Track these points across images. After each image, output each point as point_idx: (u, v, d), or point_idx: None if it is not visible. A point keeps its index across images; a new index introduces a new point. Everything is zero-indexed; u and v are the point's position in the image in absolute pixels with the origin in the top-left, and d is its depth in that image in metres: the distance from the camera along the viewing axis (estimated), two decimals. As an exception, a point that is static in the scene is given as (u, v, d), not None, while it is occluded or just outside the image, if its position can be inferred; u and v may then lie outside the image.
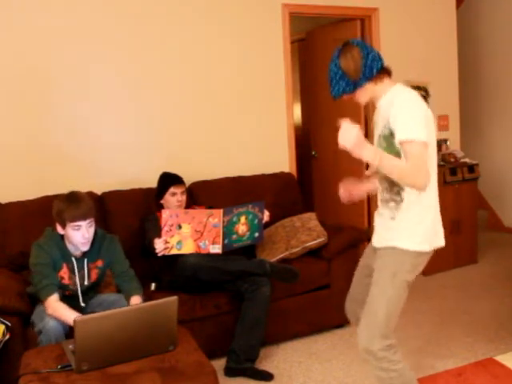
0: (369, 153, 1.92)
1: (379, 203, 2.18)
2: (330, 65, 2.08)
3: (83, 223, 2.43)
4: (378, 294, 2.08)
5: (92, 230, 2.50)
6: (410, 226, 2.05)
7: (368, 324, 2.09)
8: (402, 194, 2.05)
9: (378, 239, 2.18)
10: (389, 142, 2.01)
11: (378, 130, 2.09)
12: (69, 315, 2.32)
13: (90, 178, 3.52)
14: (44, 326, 2.35)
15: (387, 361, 2.06)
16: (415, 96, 2.01)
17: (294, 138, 4.27)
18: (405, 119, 1.94)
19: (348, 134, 1.91)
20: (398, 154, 1.98)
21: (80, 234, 2.44)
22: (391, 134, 1.98)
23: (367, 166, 4.64)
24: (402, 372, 2.08)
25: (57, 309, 2.36)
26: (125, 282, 2.59)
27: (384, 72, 2.06)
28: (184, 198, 3.20)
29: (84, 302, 2.62)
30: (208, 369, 2.06)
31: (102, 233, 2.66)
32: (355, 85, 2.04)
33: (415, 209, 2.04)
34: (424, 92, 4.59)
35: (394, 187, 2.06)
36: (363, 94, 2.09)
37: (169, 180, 3.21)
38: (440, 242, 2.13)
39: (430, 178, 1.98)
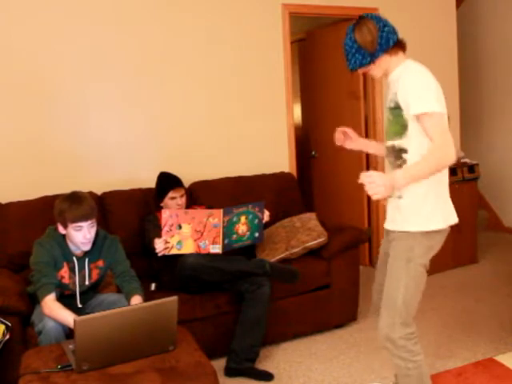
0: (397, 183, 1.93)
1: None
2: (345, 39, 2.07)
3: (85, 224, 2.42)
4: (395, 281, 2.07)
5: (94, 231, 2.49)
6: (417, 205, 2.04)
7: (388, 312, 2.08)
8: None
9: (390, 221, 2.17)
10: (395, 114, 2.01)
11: (386, 104, 2.11)
12: (65, 316, 2.32)
13: (90, 177, 3.52)
14: (44, 327, 2.35)
15: (406, 350, 2.05)
16: (425, 70, 2.02)
17: (294, 138, 4.27)
18: (418, 91, 1.94)
19: (374, 184, 1.90)
20: (403, 127, 1.98)
21: (81, 235, 2.44)
22: (397, 107, 1.99)
23: (367, 166, 4.66)
24: (420, 364, 2.09)
25: (53, 308, 2.35)
26: (125, 282, 2.59)
27: (399, 45, 2.07)
28: (183, 200, 3.20)
29: (82, 302, 2.61)
30: (208, 369, 2.06)
31: (104, 233, 2.66)
32: (372, 57, 2.04)
33: (421, 187, 2.02)
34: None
35: (397, 160, 2.07)
36: (379, 67, 2.09)
37: (167, 184, 3.20)
38: (453, 218, 2.11)
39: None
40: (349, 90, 4.63)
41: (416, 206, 2.05)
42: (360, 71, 2.11)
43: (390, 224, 2.17)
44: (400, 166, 2.05)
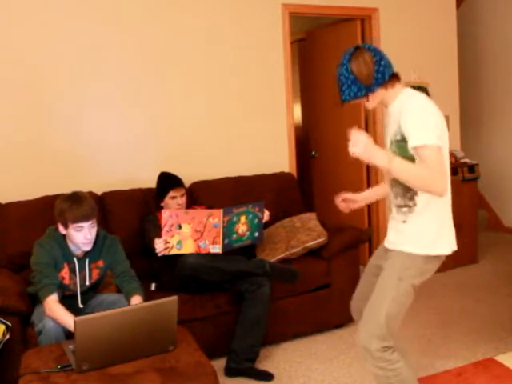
0: (380, 158, 1.93)
1: (393, 209, 2.16)
2: (340, 69, 2.04)
3: (85, 224, 2.42)
4: (382, 296, 2.08)
5: (94, 231, 2.49)
6: (421, 230, 2.05)
7: (368, 323, 2.09)
8: (415, 198, 2.04)
9: (390, 241, 2.18)
10: (401, 148, 2.00)
11: (390, 136, 2.09)
12: (65, 318, 2.31)
13: (90, 177, 3.52)
14: (44, 327, 2.35)
15: (383, 360, 2.06)
16: (425, 101, 2.00)
17: (294, 138, 4.27)
18: (415, 125, 1.93)
19: (357, 142, 1.92)
20: (411, 159, 1.97)
21: (82, 235, 2.44)
22: (403, 139, 1.98)
23: (368, 170, 4.66)
24: (400, 371, 2.08)
25: (54, 310, 2.35)
26: (125, 282, 2.59)
27: (395, 78, 2.05)
28: (184, 200, 3.20)
29: (82, 302, 2.61)
30: (208, 369, 2.06)
31: (104, 233, 2.66)
32: (367, 90, 2.02)
33: (427, 213, 2.04)
34: (424, 92, 4.59)
35: (407, 193, 2.05)
36: (373, 100, 2.07)
37: (168, 184, 3.21)
38: (453, 245, 2.11)
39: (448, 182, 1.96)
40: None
41: (421, 230, 2.05)
42: (352, 102, 2.10)
43: (391, 244, 2.17)
44: (412, 197, 2.05)
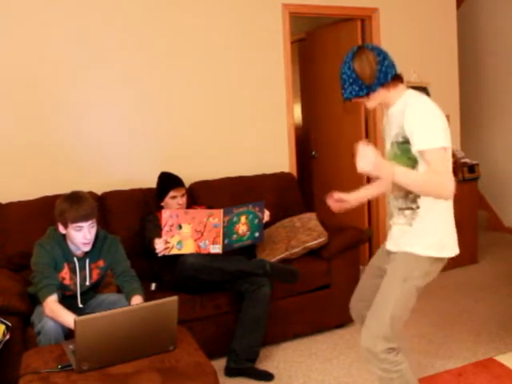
0: (388, 172, 1.92)
1: (394, 212, 2.15)
2: (343, 67, 2.04)
3: (85, 224, 2.42)
4: (386, 297, 2.07)
5: (94, 231, 2.49)
6: (426, 232, 2.04)
7: (373, 325, 2.08)
8: (417, 201, 2.03)
9: (393, 243, 2.16)
10: (403, 149, 2.00)
11: (391, 137, 2.08)
12: (66, 317, 2.31)
13: (90, 177, 3.52)
14: (43, 327, 2.35)
15: (388, 362, 2.05)
16: (429, 103, 1.99)
17: (294, 138, 4.27)
18: (421, 128, 1.92)
19: (365, 157, 1.89)
20: (414, 161, 1.97)
21: (82, 235, 2.44)
22: (405, 141, 1.98)
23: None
24: (404, 373, 2.08)
25: (54, 310, 2.35)
26: (126, 282, 2.59)
27: (397, 79, 2.04)
28: (184, 200, 3.20)
29: (82, 302, 2.61)
30: (208, 369, 2.06)
31: (104, 233, 2.66)
32: (368, 90, 2.01)
33: (432, 215, 2.03)
34: (424, 92, 4.60)
35: (409, 194, 2.05)
36: (374, 99, 2.06)
37: (168, 183, 3.21)
38: (456, 249, 2.11)
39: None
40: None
41: (424, 233, 2.05)
42: (354, 101, 2.09)
43: (392, 246, 2.16)
44: (414, 199, 2.04)
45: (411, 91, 2.07)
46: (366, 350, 2.09)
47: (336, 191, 2.39)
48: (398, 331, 2.09)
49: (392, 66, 2.02)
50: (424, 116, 1.94)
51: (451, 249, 2.09)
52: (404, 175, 1.92)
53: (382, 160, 1.92)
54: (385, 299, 2.08)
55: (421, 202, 2.03)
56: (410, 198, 2.06)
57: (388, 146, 2.12)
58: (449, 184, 1.89)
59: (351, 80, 2.01)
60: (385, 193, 2.40)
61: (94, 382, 1.95)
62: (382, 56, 2.00)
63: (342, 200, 2.38)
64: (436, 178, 1.90)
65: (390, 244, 2.19)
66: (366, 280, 2.35)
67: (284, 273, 2.99)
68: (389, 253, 2.19)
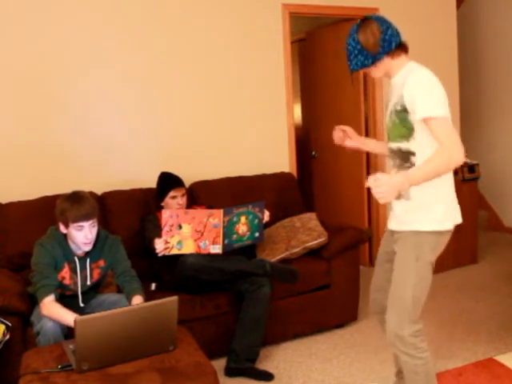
0: (405, 185, 1.92)
1: None
2: (348, 39, 2.08)
3: (86, 224, 2.42)
4: (403, 279, 2.08)
5: (95, 231, 2.49)
6: (427, 205, 2.05)
7: (396, 309, 2.09)
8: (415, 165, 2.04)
9: (395, 222, 2.17)
10: (401, 118, 2.02)
11: (391, 106, 2.10)
12: (66, 316, 2.31)
13: (90, 177, 3.52)
14: (42, 327, 2.35)
15: (414, 347, 2.07)
16: (430, 73, 2.02)
17: (294, 138, 4.27)
18: (424, 97, 1.95)
19: (383, 189, 1.86)
20: (410, 130, 1.99)
21: (83, 235, 2.44)
22: (404, 110, 2.00)
23: (368, 170, 4.65)
24: (427, 361, 2.10)
25: (52, 310, 2.34)
26: (126, 282, 2.59)
27: (401, 48, 2.08)
28: (184, 200, 3.20)
29: (83, 302, 2.61)
30: (208, 369, 2.06)
31: (105, 233, 2.66)
32: (374, 59, 2.04)
33: (431, 186, 2.03)
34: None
35: (405, 163, 2.06)
36: (380, 69, 2.10)
37: (168, 183, 3.21)
38: (459, 217, 2.12)
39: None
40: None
41: (426, 207, 2.06)
42: (361, 72, 2.12)
43: (396, 225, 2.17)
44: (409, 168, 2.05)
45: (413, 63, 2.10)
46: (394, 336, 2.09)
47: (343, 126, 2.41)
48: (420, 311, 2.10)
49: (396, 34, 2.07)
50: (427, 85, 1.97)
51: (453, 219, 2.10)
52: (419, 176, 1.93)
53: (394, 179, 1.91)
54: (402, 282, 2.08)
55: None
56: (405, 166, 2.07)
57: (388, 115, 2.14)
58: (459, 152, 1.91)
59: (356, 51, 2.05)
60: (380, 151, 2.46)
61: (93, 381, 1.95)
62: (386, 25, 2.05)
63: (346, 132, 2.39)
64: (445, 155, 1.91)
65: (392, 223, 2.19)
66: (378, 268, 2.35)
67: (284, 273, 2.99)
68: (392, 232, 2.19)
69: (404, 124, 2.01)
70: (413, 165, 2.04)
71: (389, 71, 2.11)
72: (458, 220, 2.13)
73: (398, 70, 2.10)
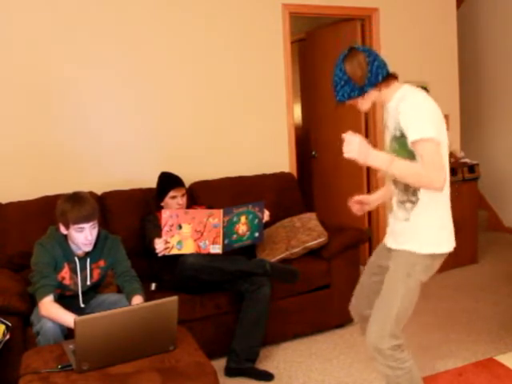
0: (376, 159, 1.95)
1: (394, 205, 2.17)
2: (335, 69, 2.07)
3: (87, 225, 2.42)
4: (391, 294, 2.08)
5: (95, 232, 2.49)
6: (424, 228, 2.06)
7: (378, 323, 2.09)
8: (417, 193, 2.05)
9: (392, 240, 2.19)
10: (401, 144, 2.02)
11: (390, 133, 2.10)
12: (65, 317, 2.31)
13: (90, 177, 3.52)
14: (42, 327, 2.34)
15: (394, 359, 2.06)
16: (422, 96, 2.01)
17: (294, 138, 4.27)
18: (412, 120, 1.95)
19: (351, 145, 1.94)
20: (411, 155, 1.99)
21: (83, 236, 2.43)
22: (402, 136, 2.00)
23: (368, 170, 4.65)
24: (409, 370, 2.09)
25: (50, 309, 2.34)
26: (126, 282, 2.59)
27: (390, 78, 2.06)
28: (184, 200, 3.20)
29: (84, 302, 2.61)
30: (208, 369, 2.06)
31: (105, 233, 2.66)
32: (360, 91, 2.04)
33: (430, 209, 2.05)
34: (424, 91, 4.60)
35: (410, 187, 2.06)
36: (367, 101, 2.09)
37: (168, 183, 3.20)
38: (451, 244, 2.12)
39: (447, 177, 1.96)
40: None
41: (422, 229, 2.07)
42: (348, 103, 2.11)
43: (393, 243, 2.18)
44: (414, 192, 2.05)
45: (406, 86, 2.08)
46: (373, 348, 2.09)
47: (357, 194, 2.41)
48: (401, 326, 2.10)
49: (383, 66, 2.05)
50: (415, 109, 1.97)
51: (448, 244, 2.10)
52: (398, 165, 1.95)
53: (371, 149, 1.96)
54: (390, 296, 2.09)
55: (421, 195, 2.04)
56: (410, 190, 2.07)
57: (388, 141, 2.14)
58: (437, 174, 1.90)
59: (343, 82, 2.04)
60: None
61: (93, 381, 1.95)
62: (373, 57, 2.03)
63: (364, 202, 2.40)
64: (424, 169, 1.92)
65: (390, 241, 2.21)
66: (366, 278, 2.35)
67: (284, 273, 2.99)
68: (389, 250, 2.20)
69: (405, 148, 2.01)
70: (417, 188, 2.04)
71: (379, 100, 2.11)
72: (452, 245, 2.12)
73: (390, 98, 2.09)
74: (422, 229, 2.07)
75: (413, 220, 2.08)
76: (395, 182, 2.14)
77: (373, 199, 2.42)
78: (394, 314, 2.06)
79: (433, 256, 2.07)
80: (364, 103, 2.10)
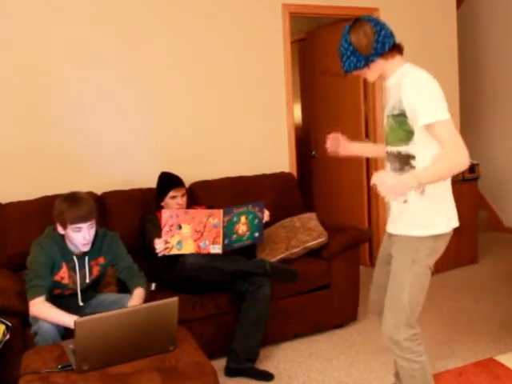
0: (408, 185, 1.90)
1: None
2: (341, 40, 2.06)
3: (84, 225, 2.42)
4: (400, 282, 2.06)
5: (93, 232, 2.49)
6: (424, 209, 2.03)
7: (392, 313, 2.07)
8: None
9: (393, 225, 2.16)
10: (399, 122, 2.00)
11: (387, 110, 2.09)
12: (59, 316, 2.31)
13: (90, 177, 3.52)
14: (40, 328, 2.34)
15: (411, 352, 2.05)
16: (426, 74, 1.99)
17: (294, 138, 4.27)
18: (424, 102, 1.92)
19: (383, 182, 1.85)
20: (409, 133, 1.97)
21: (81, 236, 2.44)
22: (402, 114, 1.98)
23: (368, 170, 4.64)
24: (424, 364, 2.09)
25: (41, 309, 2.34)
26: (129, 276, 2.61)
27: (396, 49, 2.05)
28: (184, 200, 3.20)
29: (83, 301, 2.62)
30: (208, 369, 2.06)
31: (104, 231, 2.66)
32: (366, 60, 2.02)
33: (428, 189, 2.01)
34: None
35: (405, 166, 2.04)
36: (373, 71, 2.07)
37: (168, 183, 3.20)
38: (456, 221, 2.10)
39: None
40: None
41: (421, 209, 2.04)
42: (355, 73, 2.10)
43: (393, 228, 2.16)
44: (409, 171, 2.03)
45: (408, 65, 2.07)
46: (389, 340, 2.08)
47: (335, 133, 2.41)
48: (417, 314, 2.08)
49: (390, 35, 2.03)
50: (425, 88, 1.94)
51: (450, 222, 2.07)
52: (425, 176, 1.91)
53: (399, 178, 1.90)
54: (399, 285, 2.07)
55: None
56: (405, 169, 2.05)
57: (385, 118, 2.12)
58: (464, 155, 1.90)
59: (349, 52, 2.03)
60: (379, 155, 2.48)
61: (93, 381, 1.95)
62: (379, 26, 2.02)
63: (340, 142, 2.40)
64: (451, 158, 1.90)
65: (390, 226, 2.19)
66: (378, 270, 2.33)
67: (284, 273, 2.99)
68: (390, 235, 2.19)
69: (403, 128, 1.99)
70: (413, 168, 2.01)
71: (383, 73, 2.09)
72: (455, 223, 2.10)
73: (392, 72, 2.07)
74: (420, 211, 2.03)
75: (411, 200, 2.05)
76: (391, 160, 2.12)
77: (355, 146, 2.41)
78: (406, 303, 2.04)
79: (434, 237, 2.03)
80: (371, 74, 2.08)
